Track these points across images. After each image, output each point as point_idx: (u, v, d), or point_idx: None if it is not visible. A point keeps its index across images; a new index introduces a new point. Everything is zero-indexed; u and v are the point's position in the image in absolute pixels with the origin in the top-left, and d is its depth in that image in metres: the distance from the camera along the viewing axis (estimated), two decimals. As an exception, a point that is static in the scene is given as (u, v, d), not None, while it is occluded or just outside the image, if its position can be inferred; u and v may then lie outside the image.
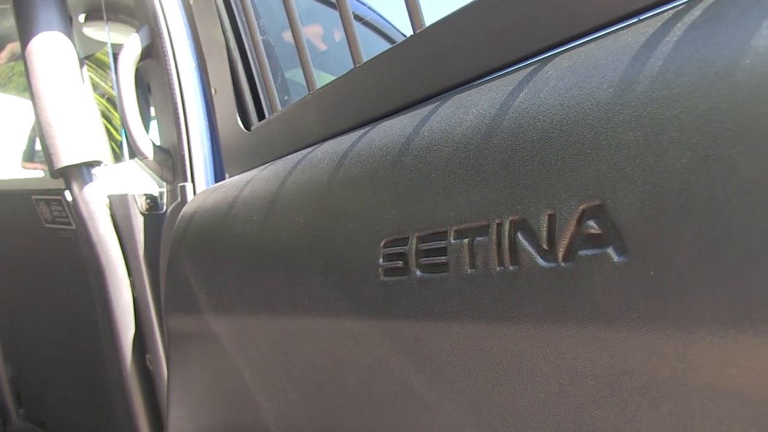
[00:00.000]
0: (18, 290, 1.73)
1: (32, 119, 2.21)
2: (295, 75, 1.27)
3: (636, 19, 0.40)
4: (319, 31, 1.52)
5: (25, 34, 1.27)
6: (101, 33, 1.76)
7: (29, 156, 1.67)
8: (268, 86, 0.86)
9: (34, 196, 1.40)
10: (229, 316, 0.74)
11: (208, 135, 1.18)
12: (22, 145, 1.94)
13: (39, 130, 1.23)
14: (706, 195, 0.29)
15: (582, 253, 0.35)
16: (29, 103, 1.32)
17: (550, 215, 0.37)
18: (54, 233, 1.41)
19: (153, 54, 1.22)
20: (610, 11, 0.42)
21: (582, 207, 0.35)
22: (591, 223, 0.34)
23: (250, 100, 0.95)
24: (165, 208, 1.25)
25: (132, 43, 1.21)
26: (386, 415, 0.55)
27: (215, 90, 0.97)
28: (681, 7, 0.36)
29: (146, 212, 1.26)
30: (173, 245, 0.86)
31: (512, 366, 0.41)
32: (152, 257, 1.24)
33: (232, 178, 0.88)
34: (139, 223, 1.25)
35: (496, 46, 0.50)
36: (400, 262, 0.48)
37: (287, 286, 0.62)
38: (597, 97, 0.36)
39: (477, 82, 0.51)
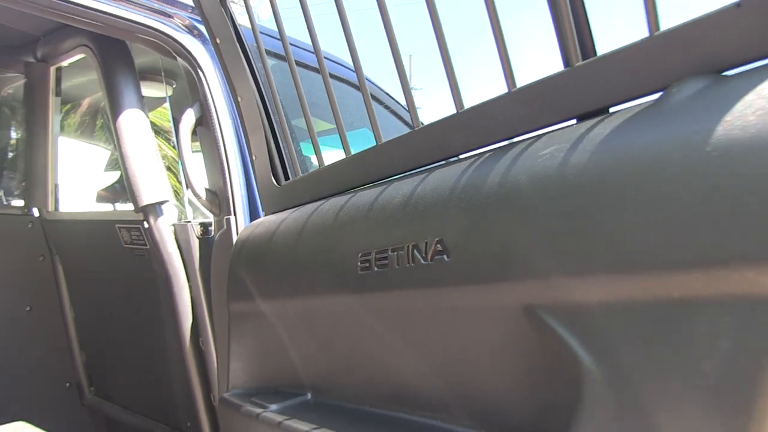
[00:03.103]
0: (96, 295, 2.25)
1: (95, 161, 2.74)
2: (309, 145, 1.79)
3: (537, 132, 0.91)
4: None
5: (113, 98, 1.79)
6: (150, 90, 2.29)
7: (105, 194, 2.21)
8: (292, 157, 1.38)
9: (117, 225, 1.93)
10: (272, 300, 1.25)
11: (245, 183, 1.68)
12: (90, 181, 2.48)
13: (126, 177, 1.75)
14: (479, 236, 0.79)
15: (436, 257, 0.85)
16: (89, 146, 1.85)
17: (426, 242, 0.87)
18: (131, 252, 1.93)
19: (203, 123, 1.73)
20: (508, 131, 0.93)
21: (436, 239, 0.85)
22: (439, 246, 0.85)
23: (279, 165, 1.46)
24: (214, 233, 1.76)
25: (188, 115, 1.72)
26: (367, 350, 1.06)
27: (255, 156, 1.49)
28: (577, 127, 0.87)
29: (200, 237, 1.77)
30: (233, 257, 1.37)
31: (418, 308, 0.92)
32: (205, 269, 1.75)
33: (269, 217, 1.39)
34: (195, 244, 1.76)
35: (415, 155, 1.02)
36: (367, 263, 0.98)
37: (308, 280, 1.13)
38: (455, 177, 0.87)
39: (407, 174, 1.02)
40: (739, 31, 0.60)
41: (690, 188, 0.54)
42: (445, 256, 0.82)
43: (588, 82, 0.74)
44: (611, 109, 0.74)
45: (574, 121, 0.77)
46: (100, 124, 2.81)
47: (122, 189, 2.15)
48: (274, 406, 1.21)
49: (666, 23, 0.67)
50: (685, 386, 0.55)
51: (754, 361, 0.50)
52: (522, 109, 0.82)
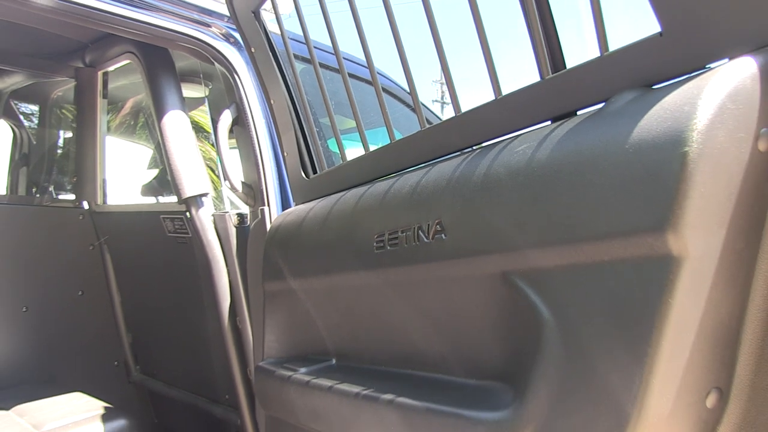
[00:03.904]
0: (141, 280, 2.49)
1: (139, 158, 2.99)
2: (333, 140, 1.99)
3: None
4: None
5: (157, 100, 2.01)
6: (189, 91, 2.51)
7: (148, 188, 2.44)
8: (319, 154, 1.58)
9: (161, 215, 2.15)
10: (302, 279, 1.45)
11: (277, 177, 1.89)
12: (133, 176, 2.73)
13: (170, 172, 1.97)
14: (468, 218, 0.98)
15: (436, 236, 1.04)
16: (131, 143, 2.08)
17: (428, 224, 1.06)
18: (174, 240, 2.15)
19: (240, 123, 1.94)
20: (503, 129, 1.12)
21: (437, 221, 1.04)
22: (438, 226, 1.03)
23: (307, 160, 1.66)
24: (249, 223, 1.97)
25: (225, 116, 1.93)
26: (382, 317, 1.25)
27: (286, 153, 1.69)
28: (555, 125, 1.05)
29: (237, 225, 1.98)
30: (267, 242, 1.58)
31: (422, 280, 1.11)
32: (241, 255, 1.96)
33: (299, 206, 1.59)
34: (233, 232, 1.97)
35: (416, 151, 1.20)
36: (382, 243, 1.17)
37: (332, 260, 1.32)
38: (451, 170, 1.05)
39: (411, 169, 1.21)
40: (663, 54, 0.77)
41: (611, 177, 0.72)
42: (443, 235, 1.01)
43: (558, 91, 0.93)
44: (579, 112, 0.92)
45: (549, 122, 0.96)
46: (141, 123, 3.04)
47: (162, 184, 2.38)
48: (303, 369, 1.41)
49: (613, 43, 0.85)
50: (606, 325, 0.73)
51: (647, 302, 0.68)
52: (506, 113, 1.00)
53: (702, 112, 0.66)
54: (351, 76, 1.41)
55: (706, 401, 0.73)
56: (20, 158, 2.96)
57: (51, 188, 2.79)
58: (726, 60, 0.71)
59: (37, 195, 2.83)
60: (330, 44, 1.38)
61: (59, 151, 2.83)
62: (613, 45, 0.85)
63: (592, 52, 0.87)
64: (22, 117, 2.94)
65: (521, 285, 0.87)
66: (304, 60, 1.96)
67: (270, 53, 1.63)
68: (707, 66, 0.73)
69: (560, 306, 0.80)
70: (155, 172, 2.44)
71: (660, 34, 0.78)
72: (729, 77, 0.68)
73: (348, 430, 1.19)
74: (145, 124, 3.06)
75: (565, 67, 0.95)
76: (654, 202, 0.68)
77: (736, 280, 0.70)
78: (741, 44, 0.70)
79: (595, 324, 0.75)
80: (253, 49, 1.65)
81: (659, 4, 0.76)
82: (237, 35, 1.98)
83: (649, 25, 0.80)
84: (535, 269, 0.84)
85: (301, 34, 1.45)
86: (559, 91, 0.92)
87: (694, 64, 0.74)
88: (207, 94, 2.65)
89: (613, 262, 0.73)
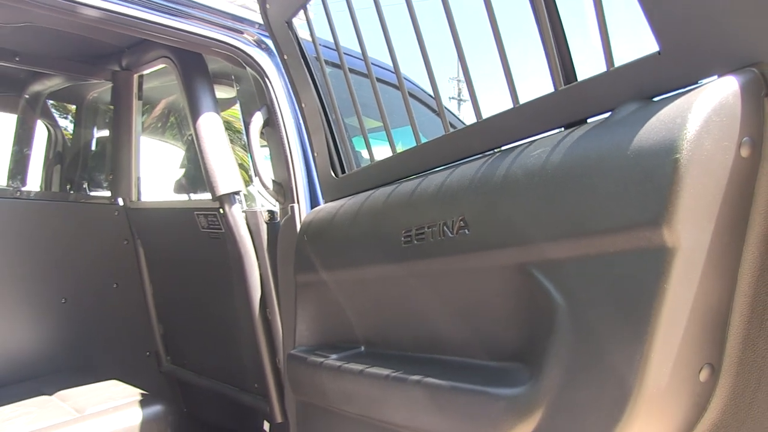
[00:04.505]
0: (173, 273, 2.63)
1: (168, 157, 3.13)
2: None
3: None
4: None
5: (192, 103, 2.14)
6: (219, 92, 2.64)
7: (181, 185, 2.58)
8: (348, 155, 1.70)
9: (195, 212, 2.29)
10: (333, 271, 1.57)
11: (306, 176, 2.01)
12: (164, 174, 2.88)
13: (205, 171, 2.10)
14: (489, 215, 1.10)
15: (460, 231, 1.15)
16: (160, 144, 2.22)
17: (453, 220, 1.18)
18: (207, 235, 2.29)
19: (270, 124, 2.07)
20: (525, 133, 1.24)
21: (460, 217, 1.15)
22: (461, 222, 1.15)
23: (336, 160, 1.78)
24: (279, 219, 2.09)
25: (257, 117, 2.05)
26: (409, 306, 1.37)
27: (317, 153, 1.81)
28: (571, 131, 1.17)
29: (268, 222, 2.11)
30: (300, 237, 1.70)
31: (447, 272, 1.22)
32: (271, 250, 2.09)
33: (329, 203, 1.71)
34: (264, 228, 2.10)
35: (432, 155, 1.32)
36: (409, 238, 1.29)
37: (362, 253, 1.45)
38: (473, 171, 1.17)
39: (437, 169, 1.33)
40: (661, 70, 0.89)
41: (614, 178, 0.84)
42: (466, 230, 1.13)
43: (569, 101, 1.04)
44: (588, 120, 1.03)
45: (561, 129, 1.07)
46: (170, 123, 3.19)
47: (194, 181, 2.51)
48: (334, 356, 1.53)
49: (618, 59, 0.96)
50: (611, 308, 0.85)
51: (646, 288, 0.80)
52: (523, 120, 1.12)
53: (692, 123, 0.78)
54: (379, 80, 1.53)
55: (700, 375, 0.84)
56: (57, 157, 3.12)
57: (87, 185, 2.95)
58: (715, 77, 0.83)
59: (74, 192, 2.99)
60: (352, 50, 1.50)
61: (95, 150, 2.97)
62: (618, 60, 0.96)
63: (599, 67, 0.99)
64: (58, 117, 3.10)
65: (536, 274, 0.98)
66: (332, 65, 2.09)
67: (301, 59, 1.76)
68: (699, 81, 0.85)
69: (571, 292, 0.92)
70: (187, 170, 2.57)
71: (659, 52, 0.89)
72: (715, 93, 0.79)
73: (379, 410, 1.31)
74: (174, 125, 3.20)
75: (576, 80, 1.06)
76: (651, 200, 0.79)
77: (724, 269, 0.81)
78: (726, 64, 0.81)
79: (601, 307, 0.87)
80: (285, 56, 1.78)
81: (658, 27, 0.88)
82: (268, 41, 2.11)
83: (649, 44, 0.91)
84: (549, 260, 0.96)
85: (325, 40, 1.57)
86: (571, 101, 1.04)
87: (688, 80, 0.85)
88: (234, 95, 2.80)
89: (617, 253, 0.85)
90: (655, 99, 0.90)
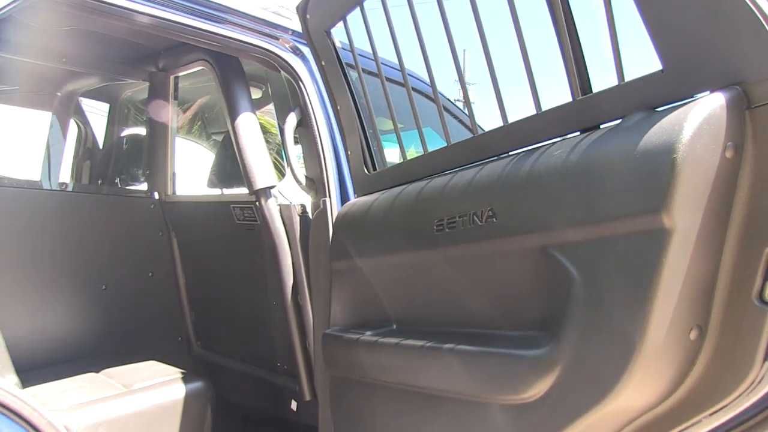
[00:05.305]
0: (205, 263, 2.84)
1: (201, 154, 3.34)
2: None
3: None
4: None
5: (230, 104, 2.34)
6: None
7: (215, 180, 2.80)
8: (381, 153, 1.91)
9: (231, 205, 2.50)
10: (368, 258, 1.78)
11: (336, 172, 2.21)
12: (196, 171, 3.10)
13: (242, 167, 2.30)
14: (516, 205, 1.30)
15: (488, 220, 1.36)
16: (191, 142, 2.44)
17: (482, 210, 1.38)
18: (242, 227, 2.50)
19: (303, 124, 2.27)
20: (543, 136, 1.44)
21: (489, 208, 1.36)
22: (490, 212, 1.35)
23: (368, 158, 1.99)
24: (311, 213, 2.29)
25: (291, 118, 2.25)
26: (439, 287, 1.58)
27: (350, 152, 2.02)
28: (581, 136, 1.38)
29: (300, 215, 2.31)
30: (335, 227, 1.91)
31: (476, 255, 1.43)
32: (304, 241, 2.29)
33: (362, 198, 1.91)
34: (297, 221, 2.30)
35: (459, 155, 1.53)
36: (441, 226, 1.49)
37: (396, 241, 1.65)
38: (501, 168, 1.38)
39: (459, 168, 1.53)
40: (663, 85, 1.09)
41: (623, 174, 1.05)
42: (494, 219, 1.33)
43: (585, 109, 1.25)
44: (601, 126, 1.24)
45: (578, 133, 1.27)
46: (198, 123, 3.40)
47: (228, 176, 2.70)
48: (369, 332, 1.74)
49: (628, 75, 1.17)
50: (619, 280, 1.06)
51: (648, 262, 1.01)
52: (545, 125, 1.32)
53: (687, 130, 0.98)
54: (415, 90, 1.73)
55: (690, 335, 1.05)
56: (89, 153, 3.33)
57: (125, 180, 3.16)
58: (707, 92, 1.03)
59: (108, 185, 3.20)
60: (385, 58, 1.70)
61: (135, 148, 3.18)
62: (628, 75, 1.17)
63: (612, 81, 1.19)
64: (96, 117, 3.31)
65: (556, 254, 1.19)
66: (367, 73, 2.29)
67: (338, 65, 1.96)
68: (694, 96, 1.05)
69: (586, 268, 1.13)
70: (219, 167, 2.78)
71: (662, 71, 1.09)
72: (707, 106, 1.00)
73: (415, 377, 1.52)
74: (203, 125, 3.42)
75: (591, 91, 1.27)
76: (652, 192, 1.00)
77: (711, 248, 1.02)
78: (716, 82, 1.02)
79: (611, 280, 1.08)
80: (323, 62, 1.98)
81: (662, 50, 1.08)
82: (302, 47, 2.31)
83: (654, 63, 1.13)
84: (568, 242, 1.17)
85: (360, 49, 1.77)
86: (587, 109, 1.24)
87: (685, 94, 1.06)
88: (259, 96, 3.00)
89: (624, 235, 1.05)
90: (658, 109, 1.10)
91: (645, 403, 1.11)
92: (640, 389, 1.08)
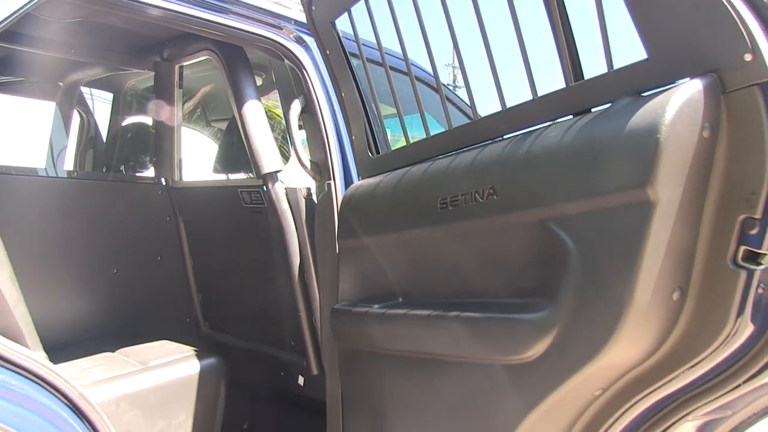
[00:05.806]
0: (212, 245, 2.96)
1: (204, 141, 3.45)
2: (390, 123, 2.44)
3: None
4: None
5: (236, 92, 2.45)
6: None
7: (221, 165, 2.91)
8: (384, 137, 2.03)
9: (239, 189, 2.61)
10: (374, 235, 1.90)
11: (340, 156, 2.32)
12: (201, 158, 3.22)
13: (250, 152, 2.42)
14: (515, 183, 1.43)
15: (489, 197, 1.48)
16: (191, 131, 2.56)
17: (483, 189, 1.50)
18: (250, 210, 2.62)
19: (307, 111, 2.38)
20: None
21: (489, 186, 1.48)
22: (491, 190, 1.48)
23: (372, 142, 2.11)
24: (316, 195, 2.41)
25: (295, 104, 2.37)
26: (443, 261, 1.70)
27: (355, 137, 2.13)
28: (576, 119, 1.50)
29: (306, 197, 2.43)
30: (342, 208, 2.03)
31: (478, 230, 1.55)
32: (309, 222, 2.41)
33: (367, 179, 2.03)
34: (302, 203, 2.42)
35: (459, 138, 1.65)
36: (445, 204, 1.61)
37: (402, 219, 1.77)
38: (500, 150, 1.50)
39: (467, 148, 1.66)
40: (648, 72, 1.22)
41: (612, 153, 1.18)
42: (494, 196, 1.46)
43: (577, 94, 1.37)
44: (592, 110, 1.36)
45: (571, 116, 1.40)
46: (199, 113, 3.51)
47: (234, 162, 2.82)
48: (376, 306, 1.86)
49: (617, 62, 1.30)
50: (610, 247, 1.19)
51: (635, 231, 1.14)
52: (541, 109, 1.45)
53: (669, 113, 1.11)
54: (418, 79, 1.85)
55: (673, 296, 1.18)
56: (93, 141, 3.44)
57: (132, 167, 3.27)
58: (687, 79, 1.16)
59: (115, 173, 3.30)
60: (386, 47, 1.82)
61: (142, 135, 3.29)
62: (617, 63, 1.29)
63: (602, 68, 1.32)
64: (100, 106, 3.42)
65: (553, 227, 1.32)
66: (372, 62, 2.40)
67: (342, 54, 2.07)
68: (676, 82, 1.18)
69: (580, 238, 1.26)
70: (224, 153, 2.89)
71: (647, 59, 1.22)
72: (687, 91, 1.13)
73: (422, 344, 1.65)
74: (203, 113, 3.52)
75: (583, 78, 1.39)
76: (638, 168, 1.13)
77: (690, 218, 1.16)
78: (695, 70, 1.15)
79: (603, 248, 1.21)
80: (328, 52, 2.09)
81: (647, 40, 1.21)
82: (305, 37, 2.41)
83: (640, 52, 1.25)
84: (564, 216, 1.29)
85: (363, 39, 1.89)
86: (579, 94, 1.37)
87: (668, 81, 1.19)
88: (260, 83, 3.11)
89: (614, 207, 1.19)
90: (644, 94, 1.23)
91: (634, 358, 1.25)
92: (629, 346, 1.21)
